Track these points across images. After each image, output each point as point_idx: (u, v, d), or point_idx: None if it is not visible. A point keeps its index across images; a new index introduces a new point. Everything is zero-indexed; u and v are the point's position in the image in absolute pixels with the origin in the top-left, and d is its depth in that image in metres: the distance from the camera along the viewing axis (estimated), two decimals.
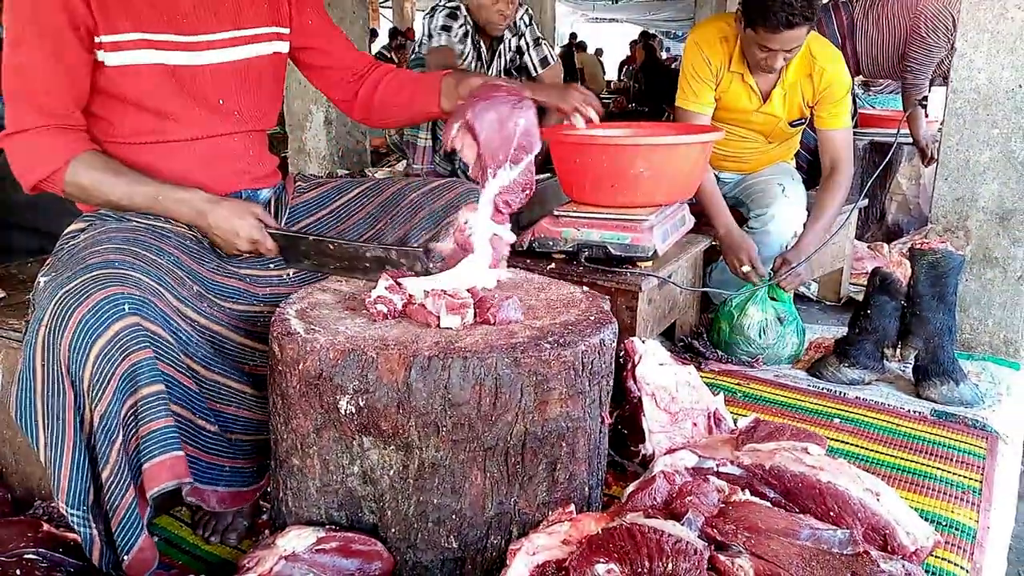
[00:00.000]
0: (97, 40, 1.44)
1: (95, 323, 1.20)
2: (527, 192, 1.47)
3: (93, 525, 1.24)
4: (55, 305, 1.22)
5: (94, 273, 1.25)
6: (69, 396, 1.22)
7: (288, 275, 1.60)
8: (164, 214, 1.49)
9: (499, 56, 3.15)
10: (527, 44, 3.20)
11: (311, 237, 1.58)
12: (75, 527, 1.24)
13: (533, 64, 3.22)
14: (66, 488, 1.22)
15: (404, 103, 1.77)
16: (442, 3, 2.99)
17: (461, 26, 2.94)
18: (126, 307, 1.23)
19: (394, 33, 11.85)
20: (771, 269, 2.46)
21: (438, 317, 1.33)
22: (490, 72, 3.14)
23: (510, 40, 3.15)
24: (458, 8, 2.95)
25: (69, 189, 1.45)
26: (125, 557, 1.25)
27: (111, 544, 1.26)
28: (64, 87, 1.44)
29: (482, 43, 3.05)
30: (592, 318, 1.38)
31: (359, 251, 1.55)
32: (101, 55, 1.45)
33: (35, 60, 1.41)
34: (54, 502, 1.53)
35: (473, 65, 3.06)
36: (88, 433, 1.23)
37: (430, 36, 2.96)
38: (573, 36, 11.85)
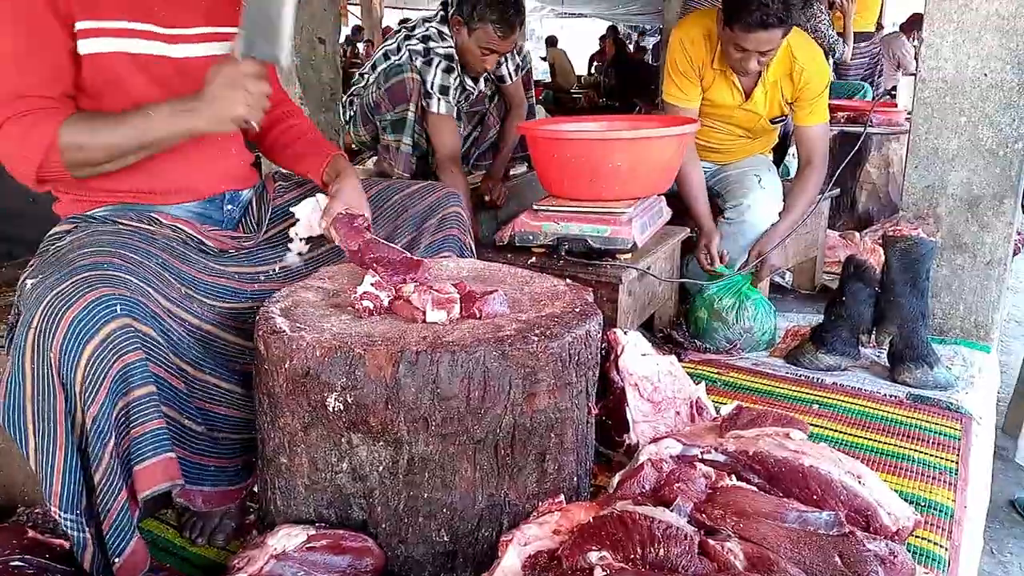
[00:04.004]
0: (75, 28, 1.39)
1: (87, 324, 1.18)
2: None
3: (86, 529, 1.23)
4: (45, 308, 1.20)
5: (84, 274, 1.23)
6: (60, 399, 1.20)
7: (274, 270, 1.59)
8: (161, 136, 1.39)
9: (480, 79, 3.14)
10: (505, 57, 3.19)
11: None
12: (68, 531, 1.23)
13: (509, 72, 3.22)
14: (59, 492, 1.20)
15: (290, 160, 1.76)
16: (433, 45, 2.85)
17: (455, 77, 2.90)
18: (118, 308, 1.22)
19: (356, 30, 11.74)
20: (743, 261, 2.52)
21: (424, 312, 1.33)
22: (474, 93, 3.13)
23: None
24: (452, 58, 2.86)
25: (69, 156, 1.34)
26: (117, 560, 1.24)
27: (102, 547, 1.25)
28: (44, 71, 1.36)
29: (466, 78, 3.04)
30: (577, 310, 1.39)
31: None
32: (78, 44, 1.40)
33: (8, 45, 1.33)
34: (37, 508, 1.52)
35: (459, 96, 3.03)
36: (80, 436, 1.21)
37: (428, 95, 2.81)
38: (553, 39, 11.91)
